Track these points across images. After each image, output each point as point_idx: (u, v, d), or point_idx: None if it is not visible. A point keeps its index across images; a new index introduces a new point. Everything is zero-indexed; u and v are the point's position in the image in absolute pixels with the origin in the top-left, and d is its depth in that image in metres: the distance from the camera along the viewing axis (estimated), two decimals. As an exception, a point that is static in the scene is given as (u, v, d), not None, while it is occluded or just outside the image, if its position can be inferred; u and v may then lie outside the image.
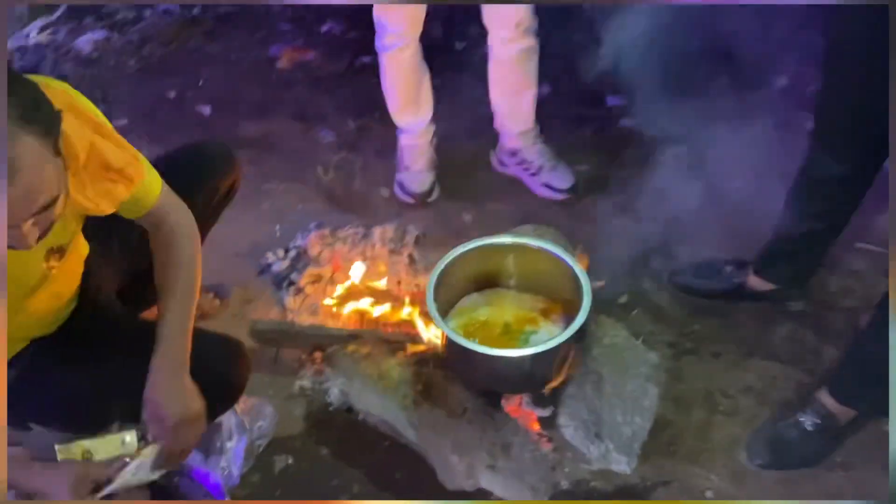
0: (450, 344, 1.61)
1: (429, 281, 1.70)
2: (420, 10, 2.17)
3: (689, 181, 2.46)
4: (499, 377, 1.67)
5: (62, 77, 2.94)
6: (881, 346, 1.35)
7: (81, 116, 1.29)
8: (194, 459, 1.68)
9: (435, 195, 2.44)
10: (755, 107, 2.51)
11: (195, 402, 1.40)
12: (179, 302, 1.43)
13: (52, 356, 1.47)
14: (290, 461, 1.78)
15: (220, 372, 1.52)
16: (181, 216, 1.48)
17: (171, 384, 1.38)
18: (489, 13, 2.18)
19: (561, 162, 2.45)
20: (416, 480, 1.71)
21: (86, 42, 3.21)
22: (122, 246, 1.65)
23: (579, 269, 1.71)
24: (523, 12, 2.15)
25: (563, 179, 2.42)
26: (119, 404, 1.41)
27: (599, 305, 1.99)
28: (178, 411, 1.37)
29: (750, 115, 2.42)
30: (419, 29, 2.21)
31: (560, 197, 2.42)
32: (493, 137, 2.49)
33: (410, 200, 2.42)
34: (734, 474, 1.72)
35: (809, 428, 1.69)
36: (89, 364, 1.46)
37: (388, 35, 2.21)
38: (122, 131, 1.40)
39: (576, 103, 2.76)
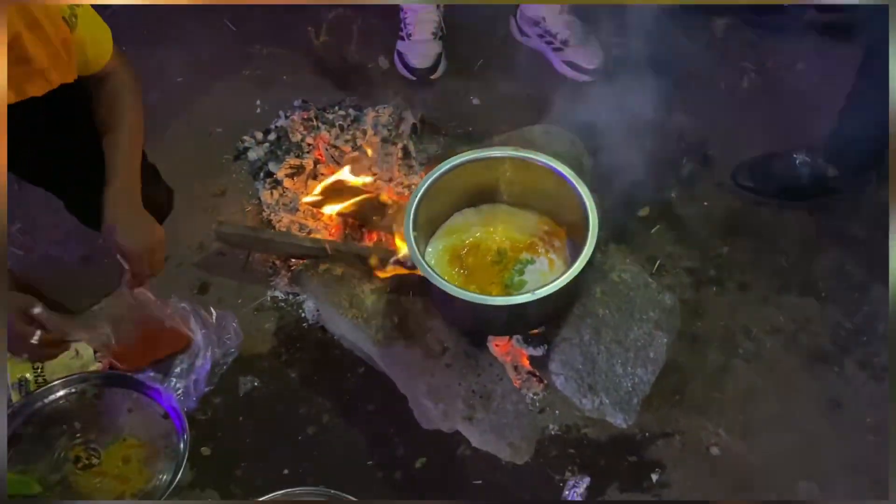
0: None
1: (408, 203, 1.44)
2: None
3: (736, 68, 2.11)
4: (482, 320, 1.45)
5: None
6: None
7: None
8: (149, 376, 1.55)
9: (440, 71, 2.10)
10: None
11: (155, 228, 1.42)
12: (127, 136, 1.41)
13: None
14: (256, 384, 1.63)
15: None
16: (126, 69, 1.44)
17: (128, 214, 1.38)
18: None
19: (591, 38, 2.08)
20: (391, 415, 1.56)
21: None
22: None
23: (587, 195, 1.43)
24: None
25: (589, 58, 2.06)
26: None
27: (614, 220, 1.74)
28: (140, 239, 1.38)
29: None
30: None
31: (584, 78, 2.08)
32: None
33: (410, 76, 2.10)
34: (746, 430, 1.53)
35: (798, 162, 1.76)
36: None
37: None
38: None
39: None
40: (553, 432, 1.53)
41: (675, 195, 1.87)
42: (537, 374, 1.54)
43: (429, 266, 1.39)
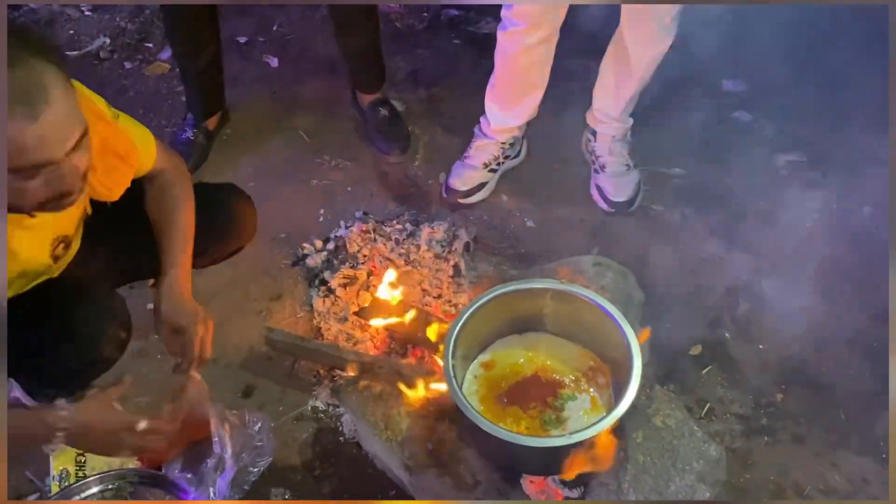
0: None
1: (449, 330, 1.45)
2: None
3: (806, 199, 2.08)
4: (517, 457, 1.42)
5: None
6: None
7: (87, 105, 1.23)
8: (185, 477, 1.55)
9: (475, 198, 2.12)
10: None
11: (205, 316, 1.46)
12: (179, 236, 1.48)
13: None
14: (287, 496, 1.62)
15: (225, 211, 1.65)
16: (174, 165, 1.54)
17: (178, 301, 1.44)
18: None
19: (632, 172, 2.09)
20: (418, 543, 1.52)
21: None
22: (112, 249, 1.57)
23: (631, 335, 1.41)
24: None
25: (618, 190, 2.06)
26: None
27: (663, 357, 1.70)
28: (188, 318, 1.43)
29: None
30: (559, 14, 1.80)
31: (606, 208, 2.07)
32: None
33: (443, 193, 2.14)
34: None
35: None
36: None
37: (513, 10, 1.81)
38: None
39: (684, 85, 2.35)
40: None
41: (730, 335, 1.82)
42: (571, 517, 1.48)
43: (464, 396, 1.38)
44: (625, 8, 1.79)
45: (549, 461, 1.41)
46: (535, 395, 1.50)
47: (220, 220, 1.64)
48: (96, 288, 1.48)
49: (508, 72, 1.92)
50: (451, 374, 1.39)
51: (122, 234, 1.52)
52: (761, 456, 1.61)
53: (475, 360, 1.58)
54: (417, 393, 1.57)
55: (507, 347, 1.59)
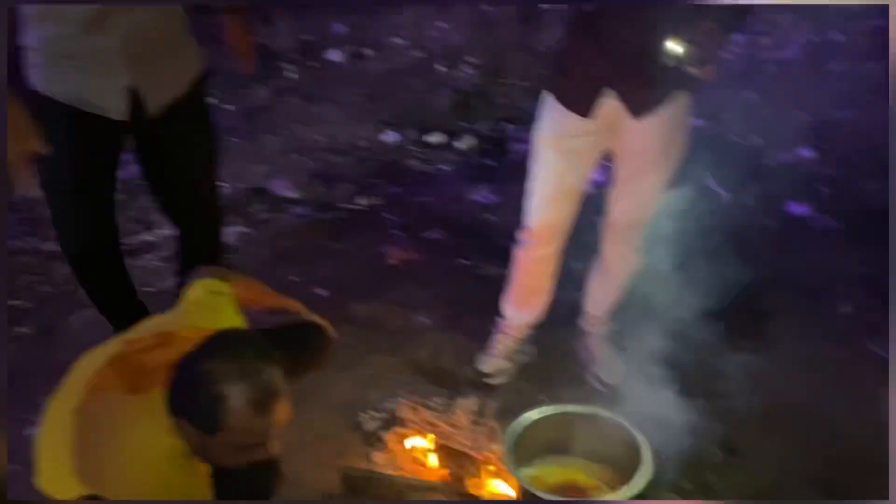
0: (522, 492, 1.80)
1: (508, 436, 1.93)
2: (565, 218, 2.43)
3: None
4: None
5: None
6: None
7: None
8: None
9: (501, 379, 2.65)
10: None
11: None
12: None
13: None
14: None
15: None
16: None
17: None
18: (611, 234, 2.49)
19: (621, 362, 2.63)
20: None
21: (230, 234, 3.78)
22: None
23: (642, 440, 1.90)
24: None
25: (610, 376, 2.61)
26: None
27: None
28: None
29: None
30: (564, 233, 2.46)
31: (603, 390, 2.58)
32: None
33: (473, 377, 2.66)
34: None
35: None
36: None
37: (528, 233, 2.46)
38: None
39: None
40: None
41: (711, 476, 2.27)
42: None
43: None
44: (605, 230, 2.51)
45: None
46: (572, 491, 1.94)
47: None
48: None
49: (522, 278, 2.58)
50: (512, 462, 1.84)
51: None
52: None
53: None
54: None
55: (545, 465, 2.05)
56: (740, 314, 2.86)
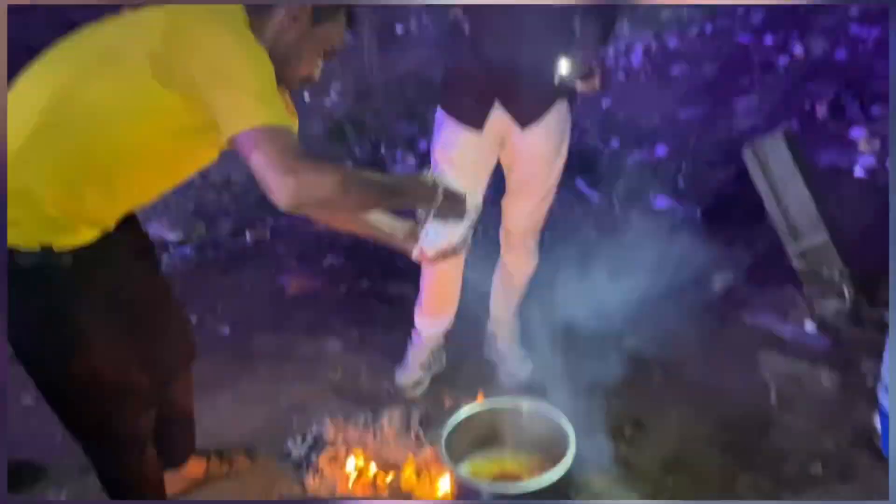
0: (458, 486, 1.90)
1: (440, 435, 2.02)
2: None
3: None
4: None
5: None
6: None
7: None
8: None
9: (420, 389, 2.76)
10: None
11: None
12: None
13: None
14: None
15: None
16: None
17: None
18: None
19: (528, 358, 2.82)
20: None
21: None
22: None
23: (565, 422, 2.05)
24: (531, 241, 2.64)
25: (519, 371, 2.80)
26: None
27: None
28: None
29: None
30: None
31: (514, 386, 2.74)
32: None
33: (393, 391, 2.75)
34: None
35: None
36: None
37: None
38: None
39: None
40: None
41: (626, 450, 2.46)
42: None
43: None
44: (503, 238, 2.67)
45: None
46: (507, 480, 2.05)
47: None
48: None
49: (431, 289, 2.68)
50: (447, 458, 1.94)
51: None
52: None
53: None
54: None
55: (477, 460, 2.15)
56: (626, 302, 3.11)
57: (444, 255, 1.84)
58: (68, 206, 1.57)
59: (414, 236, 1.87)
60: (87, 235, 1.61)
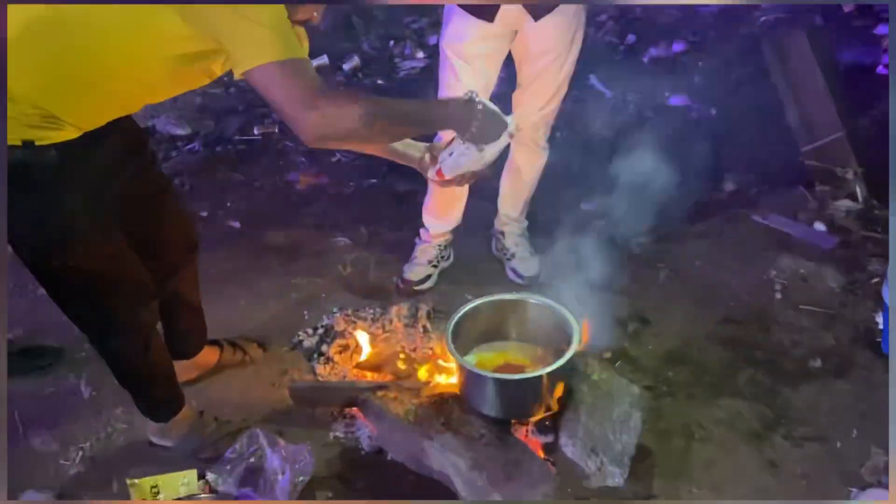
0: (464, 375, 1.96)
1: (447, 326, 2.07)
2: None
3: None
4: (501, 405, 1.99)
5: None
6: None
7: None
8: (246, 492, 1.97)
9: (427, 285, 2.78)
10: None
11: None
12: None
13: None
14: (330, 495, 2.05)
15: None
16: None
17: None
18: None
19: (536, 255, 2.84)
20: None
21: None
22: None
23: (570, 316, 2.08)
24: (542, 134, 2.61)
25: (528, 269, 2.81)
26: None
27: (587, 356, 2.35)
28: None
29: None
30: None
31: (522, 283, 2.78)
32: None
33: (402, 285, 2.78)
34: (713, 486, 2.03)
35: None
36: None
37: None
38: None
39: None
40: None
41: (628, 344, 2.51)
42: (549, 458, 2.03)
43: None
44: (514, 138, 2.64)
45: (522, 403, 1.99)
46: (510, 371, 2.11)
47: None
48: None
49: (438, 189, 2.68)
50: (452, 348, 1.98)
51: None
52: (668, 409, 2.25)
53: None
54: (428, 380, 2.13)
55: (480, 352, 2.21)
56: (636, 200, 3.10)
57: (463, 179, 1.80)
58: (47, 107, 1.55)
59: (431, 156, 1.83)
60: (70, 133, 1.60)
